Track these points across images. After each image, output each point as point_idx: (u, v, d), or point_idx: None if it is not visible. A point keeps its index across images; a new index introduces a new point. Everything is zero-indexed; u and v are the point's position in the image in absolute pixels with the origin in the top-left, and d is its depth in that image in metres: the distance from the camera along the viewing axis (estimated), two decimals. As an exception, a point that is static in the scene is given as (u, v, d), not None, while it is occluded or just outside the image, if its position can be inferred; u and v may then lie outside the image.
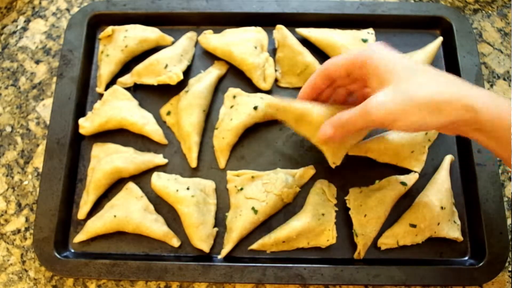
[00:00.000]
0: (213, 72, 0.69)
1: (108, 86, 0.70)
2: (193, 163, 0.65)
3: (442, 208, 0.60)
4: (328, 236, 0.60)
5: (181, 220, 0.61)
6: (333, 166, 0.58)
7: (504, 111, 0.44)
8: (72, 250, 0.63)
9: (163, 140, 0.67)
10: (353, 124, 0.50)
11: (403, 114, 0.45)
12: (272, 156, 0.66)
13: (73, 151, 0.66)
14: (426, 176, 0.64)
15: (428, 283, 0.58)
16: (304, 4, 0.72)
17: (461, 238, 0.61)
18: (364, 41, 0.68)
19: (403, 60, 0.48)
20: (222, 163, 0.66)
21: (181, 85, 0.68)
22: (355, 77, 0.52)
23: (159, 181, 0.62)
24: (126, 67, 0.71)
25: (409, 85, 0.45)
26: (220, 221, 0.63)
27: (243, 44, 0.68)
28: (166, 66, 0.67)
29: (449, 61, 0.70)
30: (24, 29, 0.77)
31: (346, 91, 0.57)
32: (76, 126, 0.67)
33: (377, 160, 0.64)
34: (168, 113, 0.68)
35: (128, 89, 0.69)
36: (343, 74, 0.52)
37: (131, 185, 0.64)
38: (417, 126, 0.46)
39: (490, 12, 0.77)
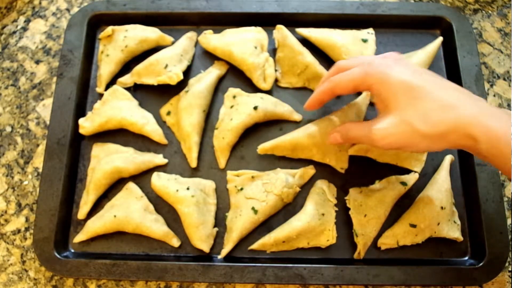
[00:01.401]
0: (213, 72, 0.69)
1: (108, 86, 0.70)
2: (193, 163, 0.65)
3: (442, 208, 0.60)
4: (328, 236, 0.60)
5: (181, 220, 0.61)
6: (342, 171, 0.64)
7: (503, 140, 0.43)
8: (72, 250, 0.63)
9: (163, 140, 0.67)
10: (359, 141, 0.56)
11: (408, 144, 0.49)
12: (272, 156, 0.66)
13: (73, 151, 0.66)
14: (426, 176, 0.64)
15: (428, 283, 0.58)
16: (304, 4, 0.72)
17: (461, 238, 0.61)
18: (364, 41, 0.68)
19: (405, 81, 0.48)
20: (222, 163, 0.66)
21: (181, 85, 0.68)
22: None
23: (159, 181, 0.62)
24: (126, 67, 0.71)
25: (412, 115, 0.47)
26: (220, 221, 0.63)
27: (243, 44, 0.68)
28: (166, 66, 0.67)
29: (449, 61, 0.70)
30: (24, 29, 0.77)
31: None
32: (76, 126, 0.67)
33: (377, 160, 0.64)
34: (168, 113, 0.68)
35: (128, 89, 0.69)
36: (350, 91, 0.55)
37: (131, 185, 0.64)
38: (422, 151, 0.50)
39: (490, 12, 0.77)
